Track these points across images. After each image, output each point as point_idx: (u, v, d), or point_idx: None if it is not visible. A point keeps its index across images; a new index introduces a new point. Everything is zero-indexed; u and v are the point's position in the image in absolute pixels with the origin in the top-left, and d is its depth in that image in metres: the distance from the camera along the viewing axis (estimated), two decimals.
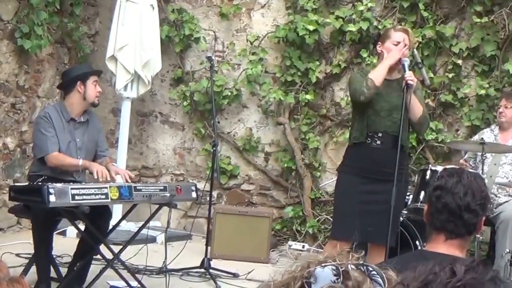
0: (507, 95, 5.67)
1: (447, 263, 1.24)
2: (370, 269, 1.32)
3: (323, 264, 1.30)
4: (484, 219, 2.45)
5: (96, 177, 4.52)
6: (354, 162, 4.44)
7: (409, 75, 4.26)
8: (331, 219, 6.47)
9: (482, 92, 6.30)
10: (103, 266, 4.65)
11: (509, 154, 5.51)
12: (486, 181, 4.97)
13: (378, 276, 1.31)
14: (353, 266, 1.30)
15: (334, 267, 1.29)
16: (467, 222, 2.39)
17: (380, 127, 4.38)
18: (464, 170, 2.53)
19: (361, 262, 1.33)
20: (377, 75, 4.33)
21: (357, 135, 4.44)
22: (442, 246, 2.40)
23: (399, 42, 4.39)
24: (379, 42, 4.50)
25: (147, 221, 4.77)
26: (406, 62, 4.34)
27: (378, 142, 4.40)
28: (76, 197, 4.07)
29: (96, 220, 4.49)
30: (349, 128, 5.85)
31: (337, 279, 1.28)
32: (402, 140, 4.29)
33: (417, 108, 4.36)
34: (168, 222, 4.67)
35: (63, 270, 4.74)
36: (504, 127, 5.62)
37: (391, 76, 4.44)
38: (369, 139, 4.40)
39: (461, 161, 5.80)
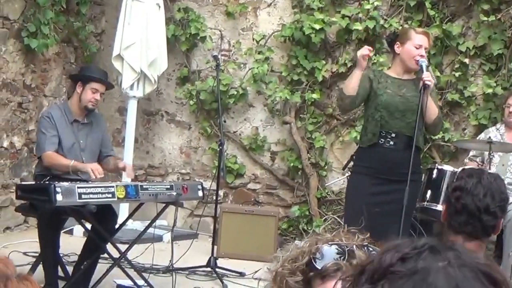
0: None
1: None
2: (372, 250, 1.36)
3: (330, 242, 1.35)
4: (502, 219, 2.41)
5: (93, 177, 4.49)
6: (366, 163, 4.43)
7: (427, 76, 4.25)
8: (339, 219, 6.49)
9: (489, 91, 6.28)
10: (110, 264, 4.65)
11: None
12: None
13: None
14: (357, 246, 1.35)
15: (339, 246, 1.34)
16: (485, 224, 2.36)
17: (394, 128, 4.36)
18: (484, 171, 2.50)
19: (366, 243, 1.38)
20: (346, 83, 4.41)
21: (370, 137, 4.42)
22: None
23: (420, 46, 4.38)
24: (398, 42, 4.45)
25: (154, 220, 4.77)
26: (424, 63, 4.33)
27: (391, 142, 4.38)
28: (83, 196, 4.08)
29: (102, 219, 4.50)
30: (356, 127, 5.87)
31: (340, 257, 1.33)
32: (418, 141, 4.29)
33: (432, 109, 4.36)
34: (175, 221, 4.67)
35: (70, 269, 4.75)
36: None
37: (406, 77, 4.43)
38: (382, 139, 4.38)
39: (466, 160, 5.77)
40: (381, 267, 0.87)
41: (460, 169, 2.55)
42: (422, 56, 4.36)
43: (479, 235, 2.38)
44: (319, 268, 1.33)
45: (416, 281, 0.84)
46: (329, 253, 1.34)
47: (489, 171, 5.07)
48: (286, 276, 1.32)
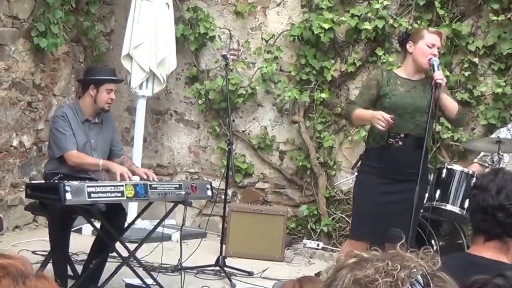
0: None
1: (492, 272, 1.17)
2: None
3: (413, 272, 1.24)
4: None
5: (119, 179, 4.50)
6: (374, 163, 4.42)
7: (439, 75, 4.25)
8: (347, 219, 6.49)
9: (499, 90, 6.26)
10: (119, 263, 4.66)
11: None
12: None
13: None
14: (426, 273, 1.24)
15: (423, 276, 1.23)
16: (501, 222, 2.32)
17: (403, 130, 4.36)
18: (501, 169, 2.49)
19: (436, 268, 1.27)
20: (355, 117, 4.44)
21: (378, 139, 4.41)
22: (483, 249, 2.35)
23: (434, 45, 4.38)
24: (410, 42, 4.45)
25: (163, 219, 4.78)
26: (436, 62, 4.32)
27: (400, 143, 4.37)
28: (92, 195, 4.09)
29: (112, 218, 4.51)
30: (365, 126, 5.85)
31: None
32: (427, 142, 4.28)
33: (451, 104, 4.37)
34: (184, 220, 4.67)
35: (79, 268, 4.76)
36: None
37: (416, 77, 4.42)
38: (391, 139, 4.38)
39: (475, 160, 5.74)
40: None
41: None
42: (434, 55, 4.35)
43: (496, 234, 2.34)
44: None
45: None
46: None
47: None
48: None
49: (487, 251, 2.34)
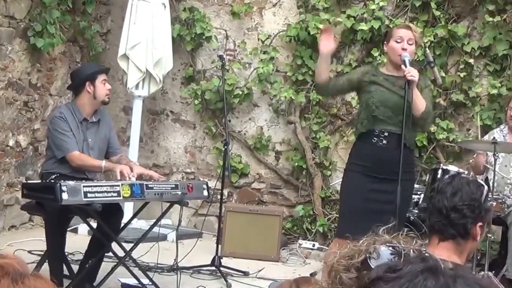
0: None
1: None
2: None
3: (387, 244, 1.37)
4: (480, 225, 2.43)
5: (119, 178, 4.51)
6: (360, 161, 4.43)
7: (408, 71, 4.21)
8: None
9: (494, 91, 6.29)
10: (115, 263, 4.67)
11: None
12: (495, 184, 5.00)
13: None
14: (414, 251, 1.36)
15: (396, 248, 1.36)
16: (454, 222, 2.40)
17: (387, 128, 4.35)
18: (459, 175, 2.58)
19: (423, 249, 1.39)
20: (317, 72, 4.57)
21: (365, 123, 4.40)
22: (437, 250, 2.39)
23: (401, 37, 4.34)
24: (385, 41, 4.49)
25: (159, 219, 4.78)
26: (407, 58, 4.27)
27: (385, 141, 4.37)
28: (89, 195, 4.10)
29: (108, 218, 4.52)
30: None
31: (394, 257, 1.35)
32: (406, 139, 4.25)
33: (419, 103, 4.28)
34: (180, 220, 4.67)
35: (75, 268, 4.77)
36: None
37: (398, 73, 4.40)
38: (375, 138, 4.37)
39: (479, 154, 5.72)
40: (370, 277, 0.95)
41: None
42: (404, 49, 4.32)
43: (450, 234, 2.41)
44: (373, 267, 1.36)
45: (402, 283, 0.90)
46: (385, 254, 1.37)
47: (493, 171, 5.09)
48: (341, 272, 1.35)
49: (441, 252, 2.38)
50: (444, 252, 2.38)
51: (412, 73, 4.21)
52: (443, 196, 2.41)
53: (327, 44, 4.39)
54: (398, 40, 4.35)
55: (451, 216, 2.40)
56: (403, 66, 4.26)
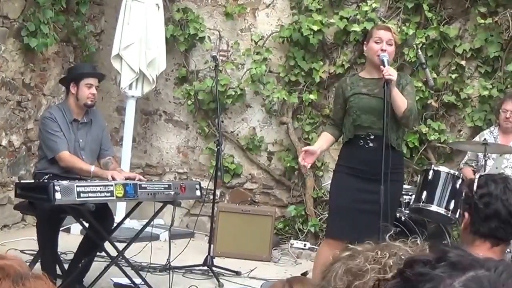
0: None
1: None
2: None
3: (395, 251, 1.30)
4: None
5: (110, 179, 4.51)
6: (348, 162, 4.44)
7: (387, 70, 4.19)
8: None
9: (485, 93, 6.33)
10: (108, 263, 4.68)
11: (510, 157, 5.53)
12: None
13: None
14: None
15: (404, 255, 1.29)
16: None
17: (372, 130, 4.35)
18: (507, 177, 2.53)
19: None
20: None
21: (347, 133, 4.43)
22: (489, 253, 2.39)
23: (380, 38, 4.32)
24: (365, 42, 4.48)
25: (152, 219, 4.80)
26: (385, 58, 4.25)
27: (371, 144, 4.38)
28: (82, 195, 4.11)
29: (100, 218, 4.53)
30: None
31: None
32: (390, 140, 4.25)
33: (400, 101, 4.26)
34: (172, 220, 4.69)
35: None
36: (509, 131, 5.63)
37: (377, 75, 4.36)
38: (361, 141, 4.39)
39: (461, 165, 5.79)
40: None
41: (477, 176, 2.57)
42: (383, 50, 4.31)
43: (508, 239, 2.44)
44: None
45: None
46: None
47: (483, 173, 5.13)
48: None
49: (493, 255, 2.39)
50: (495, 256, 2.36)
51: (390, 72, 4.20)
52: (505, 203, 2.40)
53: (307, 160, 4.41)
54: (377, 41, 4.34)
55: None
56: (381, 66, 4.25)
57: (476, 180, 2.50)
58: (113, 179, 4.49)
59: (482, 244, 2.43)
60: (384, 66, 4.23)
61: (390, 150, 4.20)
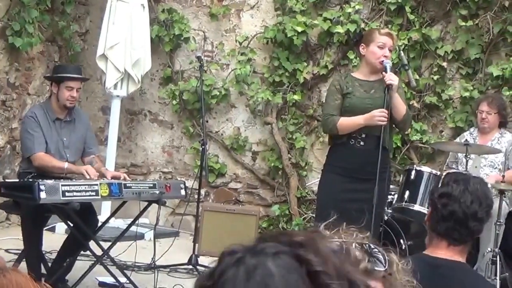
0: (488, 101, 5.71)
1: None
2: (373, 248, 1.38)
3: (329, 240, 1.36)
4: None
5: (88, 177, 4.55)
6: (337, 162, 4.50)
7: (389, 77, 4.30)
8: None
9: (466, 94, 6.41)
10: (92, 262, 4.70)
11: (488, 156, 5.62)
12: None
13: (380, 254, 1.38)
14: (356, 245, 1.37)
15: (338, 243, 1.36)
16: (472, 230, 2.39)
17: (364, 129, 4.42)
18: (470, 176, 2.51)
19: (365, 241, 1.39)
20: (344, 126, 4.41)
21: (341, 136, 4.50)
22: (444, 252, 2.40)
23: (384, 44, 4.43)
24: (363, 44, 4.52)
25: (137, 218, 4.83)
26: (388, 64, 4.37)
27: (362, 143, 4.45)
28: (67, 194, 4.13)
29: (84, 218, 4.55)
30: None
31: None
32: (385, 142, 4.34)
33: (401, 106, 4.40)
34: (157, 219, 4.73)
35: None
36: (486, 131, 5.73)
37: (374, 78, 4.48)
38: (352, 140, 4.45)
39: (444, 168, 5.87)
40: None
41: (444, 173, 2.58)
42: (386, 56, 4.41)
43: (465, 241, 2.42)
44: None
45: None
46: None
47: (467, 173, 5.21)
48: None
49: (445, 253, 2.41)
50: (451, 254, 2.40)
51: (392, 78, 4.31)
52: (462, 205, 2.37)
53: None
54: (381, 46, 4.42)
55: (471, 225, 2.37)
56: (383, 72, 4.35)
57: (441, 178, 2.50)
58: (88, 174, 4.51)
59: (439, 243, 2.43)
60: (386, 73, 4.31)
61: (382, 150, 4.28)
